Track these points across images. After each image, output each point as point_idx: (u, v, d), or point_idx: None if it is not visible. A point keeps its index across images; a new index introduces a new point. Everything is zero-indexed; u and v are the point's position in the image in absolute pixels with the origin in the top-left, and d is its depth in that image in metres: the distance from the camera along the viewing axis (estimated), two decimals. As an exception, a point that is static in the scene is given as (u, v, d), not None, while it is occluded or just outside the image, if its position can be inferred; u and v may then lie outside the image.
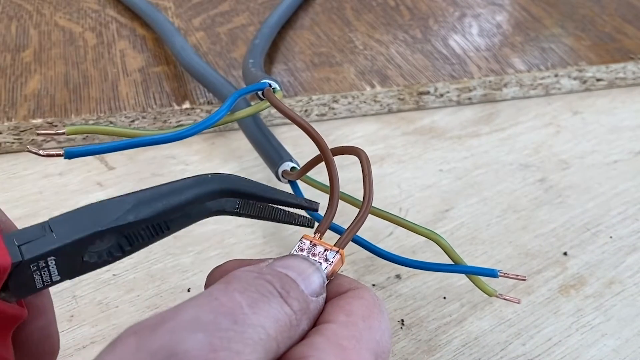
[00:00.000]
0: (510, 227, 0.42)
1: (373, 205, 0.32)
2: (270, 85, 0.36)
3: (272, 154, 0.40)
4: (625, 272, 0.39)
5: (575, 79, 0.54)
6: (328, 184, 0.28)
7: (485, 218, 0.42)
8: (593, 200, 0.44)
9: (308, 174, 0.35)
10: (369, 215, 0.28)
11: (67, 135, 0.29)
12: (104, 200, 0.25)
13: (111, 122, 0.46)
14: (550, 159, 0.48)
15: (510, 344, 0.35)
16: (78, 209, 0.24)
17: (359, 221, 0.27)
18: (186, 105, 0.47)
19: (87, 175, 0.44)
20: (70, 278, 0.25)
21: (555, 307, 0.37)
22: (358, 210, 0.27)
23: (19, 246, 0.23)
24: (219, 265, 0.26)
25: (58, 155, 0.27)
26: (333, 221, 0.27)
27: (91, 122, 0.46)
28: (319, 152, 0.29)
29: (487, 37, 0.58)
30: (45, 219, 0.41)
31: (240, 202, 0.26)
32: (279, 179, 0.38)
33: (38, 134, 0.29)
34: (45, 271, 0.24)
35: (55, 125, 0.46)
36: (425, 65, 0.53)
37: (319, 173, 0.35)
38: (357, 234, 0.28)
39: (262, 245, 0.40)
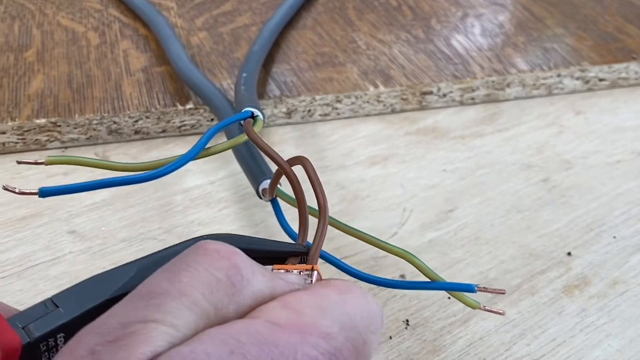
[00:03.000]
0: (513, 227, 0.42)
1: (353, 227, 0.33)
2: (252, 114, 0.35)
3: (254, 170, 0.38)
4: (629, 272, 0.39)
5: (577, 79, 0.54)
6: (312, 200, 0.28)
7: (489, 218, 0.42)
8: (596, 200, 0.44)
9: (289, 192, 0.35)
10: (363, 221, 0.28)
11: (46, 165, 0.29)
12: (104, 271, 0.24)
13: (115, 122, 0.46)
14: (553, 159, 0.48)
15: (515, 344, 0.35)
16: (79, 282, 0.23)
17: (322, 232, 0.27)
18: (190, 105, 0.47)
19: (91, 176, 0.44)
20: None
21: (559, 308, 0.37)
22: (318, 221, 0.27)
23: (23, 327, 0.21)
24: None
25: (32, 194, 0.27)
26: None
27: (95, 121, 0.46)
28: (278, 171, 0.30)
29: (490, 37, 0.58)
30: (49, 219, 0.41)
31: None
32: (260, 197, 0.38)
33: (18, 163, 0.29)
34: (54, 352, 0.22)
35: (59, 125, 0.46)
36: (428, 65, 0.53)
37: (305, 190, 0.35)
38: (324, 249, 0.28)
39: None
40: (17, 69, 0.51)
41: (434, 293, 0.37)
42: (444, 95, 0.52)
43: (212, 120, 0.48)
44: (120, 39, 0.55)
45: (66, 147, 0.46)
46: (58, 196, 0.42)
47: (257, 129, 0.35)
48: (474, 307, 0.32)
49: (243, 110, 0.36)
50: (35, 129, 0.45)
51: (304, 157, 0.30)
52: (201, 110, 0.48)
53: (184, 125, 0.48)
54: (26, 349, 0.21)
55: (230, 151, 0.42)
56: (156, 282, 0.20)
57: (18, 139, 0.45)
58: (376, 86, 0.51)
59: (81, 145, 0.47)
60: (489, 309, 0.31)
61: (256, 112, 0.36)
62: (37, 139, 0.46)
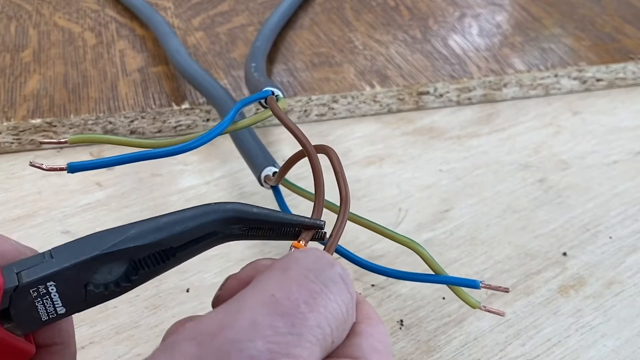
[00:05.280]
0: (509, 227, 0.42)
1: (355, 213, 0.32)
2: (273, 93, 0.35)
3: (255, 159, 0.39)
4: (625, 272, 0.39)
5: (575, 79, 0.54)
6: (310, 190, 0.28)
7: (485, 218, 0.42)
8: (593, 200, 0.44)
9: (292, 180, 0.35)
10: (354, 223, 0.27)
11: (70, 144, 0.28)
12: (105, 229, 0.24)
13: (110, 122, 0.46)
14: (550, 159, 0.47)
15: (510, 345, 0.35)
16: (79, 238, 0.24)
17: (341, 223, 0.26)
18: (185, 105, 0.47)
19: (86, 175, 0.44)
20: (76, 311, 0.24)
21: (554, 308, 0.37)
22: (337, 213, 0.27)
23: (17, 273, 0.23)
24: (237, 274, 0.25)
25: (61, 169, 0.27)
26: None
27: (90, 122, 0.46)
28: (297, 154, 0.30)
29: (487, 37, 0.58)
30: (45, 219, 0.41)
31: (247, 228, 0.26)
32: (262, 185, 0.38)
33: (42, 143, 0.29)
34: (47, 300, 0.23)
35: (55, 125, 0.46)
36: (425, 65, 0.53)
37: (304, 179, 0.35)
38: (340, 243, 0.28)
39: (261, 245, 0.40)
40: (13, 69, 0.50)
41: (429, 293, 0.37)
42: (441, 95, 0.52)
43: (207, 120, 0.48)
44: (117, 39, 0.55)
45: (62, 148, 0.46)
46: (56, 195, 0.42)
47: (281, 106, 0.35)
48: (474, 307, 0.32)
49: (263, 90, 0.36)
50: (30, 129, 0.45)
51: (329, 146, 0.29)
52: (197, 110, 0.48)
53: (180, 125, 0.48)
54: (16, 292, 0.22)
55: (234, 148, 0.42)
56: (296, 297, 0.20)
57: (13, 139, 0.45)
58: (373, 86, 0.50)
59: (77, 146, 0.47)
60: (489, 309, 0.31)
61: (276, 91, 0.36)
62: (32, 139, 0.46)
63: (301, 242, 0.25)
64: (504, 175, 0.46)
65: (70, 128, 0.46)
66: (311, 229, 0.26)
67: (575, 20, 0.60)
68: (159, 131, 0.48)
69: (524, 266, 0.39)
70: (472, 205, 0.43)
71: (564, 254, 0.40)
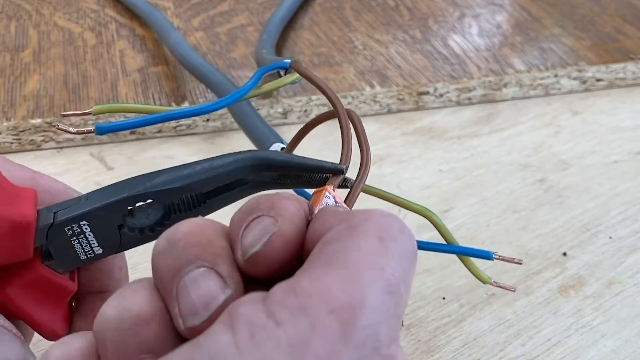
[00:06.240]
0: (509, 227, 0.42)
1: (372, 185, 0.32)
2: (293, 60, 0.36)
3: (261, 136, 0.39)
4: (625, 272, 0.39)
5: (575, 79, 0.54)
6: None
7: (485, 218, 0.42)
8: (593, 200, 0.44)
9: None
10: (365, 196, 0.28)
11: (94, 114, 0.28)
12: (137, 175, 0.25)
13: (110, 122, 0.46)
14: (550, 159, 0.47)
15: (510, 345, 0.35)
16: (116, 182, 0.25)
17: (362, 176, 0.27)
18: (185, 105, 0.47)
19: (86, 175, 0.44)
20: (113, 252, 0.25)
21: (554, 308, 0.37)
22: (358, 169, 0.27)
23: (55, 212, 0.24)
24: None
25: (89, 132, 0.27)
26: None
27: (90, 122, 0.46)
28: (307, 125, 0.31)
29: (487, 37, 0.58)
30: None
31: (276, 175, 0.26)
32: None
33: (64, 115, 0.29)
34: (83, 239, 0.25)
35: (54, 125, 0.46)
36: (425, 65, 0.53)
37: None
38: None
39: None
40: (13, 69, 0.51)
41: (429, 293, 0.37)
42: (441, 95, 0.52)
43: (207, 120, 0.48)
44: (117, 39, 0.55)
45: (61, 148, 0.46)
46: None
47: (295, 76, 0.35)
48: (485, 282, 0.31)
49: (283, 61, 0.37)
50: (30, 129, 0.45)
51: (353, 111, 0.29)
52: (197, 111, 0.48)
53: (180, 125, 0.48)
54: (51, 229, 0.24)
55: (235, 147, 0.42)
56: (398, 275, 0.19)
57: (13, 139, 0.45)
58: (373, 86, 0.50)
59: (77, 146, 0.47)
60: (500, 284, 0.31)
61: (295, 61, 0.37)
62: (32, 139, 0.46)
63: (330, 186, 0.25)
64: (504, 175, 0.46)
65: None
66: (335, 173, 0.26)
67: (575, 20, 0.60)
68: (159, 131, 0.48)
69: (524, 266, 0.39)
70: (472, 205, 0.43)
71: (564, 254, 0.40)
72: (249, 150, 0.26)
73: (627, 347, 0.35)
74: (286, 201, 0.21)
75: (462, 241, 0.41)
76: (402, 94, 0.51)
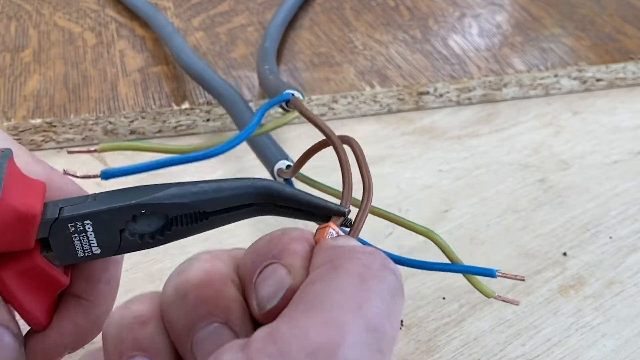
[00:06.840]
0: (509, 227, 0.42)
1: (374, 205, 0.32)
2: (293, 95, 0.36)
3: (268, 152, 0.40)
4: (625, 272, 0.39)
5: (575, 79, 0.54)
6: (324, 183, 0.28)
7: (485, 218, 0.42)
8: (593, 200, 0.44)
9: (306, 173, 0.35)
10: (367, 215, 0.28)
11: (99, 152, 0.29)
12: (146, 184, 0.26)
13: (110, 122, 0.46)
14: (550, 159, 0.47)
15: (510, 345, 0.35)
16: (126, 188, 0.26)
17: (364, 210, 0.27)
18: (185, 105, 0.47)
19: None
20: (110, 254, 0.26)
21: (554, 308, 0.37)
22: (360, 201, 0.28)
23: (61, 208, 0.25)
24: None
25: (95, 176, 0.28)
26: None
27: (90, 122, 0.46)
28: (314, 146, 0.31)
29: (487, 37, 0.58)
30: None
31: (279, 205, 0.27)
32: (275, 178, 0.38)
33: (70, 153, 0.29)
34: (84, 237, 0.25)
35: (55, 126, 0.46)
36: (425, 65, 0.53)
37: (317, 174, 0.35)
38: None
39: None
40: (13, 69, 0.51)
41: (429, 293, 0.37)
42: (441, 95, 0.52)
43: (207, 120, 0.48)
44: (117, 39, 0.55)
45: (62, 148, 0.46)
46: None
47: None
48: (489, 296, 0.31)
49: (284, 92, 0.37)
50: (30, 129, 0.45)
51: (351, 137, 0.30)
52: (197, 110, 0.48)
53: (180, 125, 0.48)
54: (55, 223, 0.25)
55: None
56: (378, 313, 0.20)
57: (14, 139, 0.45)
58: (373, 86, 0.50)
59: (77, 146, 0.47)
60: (504, 298, 0.31)
61: (297, 93, 0.37)
62: (32, 139, 0.46)
63: (332, 225, 0.25)
64: (504, 175, 0.46)
65: (71, 128, 0.46)
66: (338, 215, 0.26)
67: (575, 20, 0.60)
68: (159, 131, 0.48)
69: (524, 266, 0.39)
70: (472, 205, 0.43)
71: (564, 254, 0.40)
72: (258, 178, 0.27)
73: (627, 347, 0.35)
74: (296, 245, 0.22)
75: (462, 241, 0.41)
76: (402, 94, 0.51)
